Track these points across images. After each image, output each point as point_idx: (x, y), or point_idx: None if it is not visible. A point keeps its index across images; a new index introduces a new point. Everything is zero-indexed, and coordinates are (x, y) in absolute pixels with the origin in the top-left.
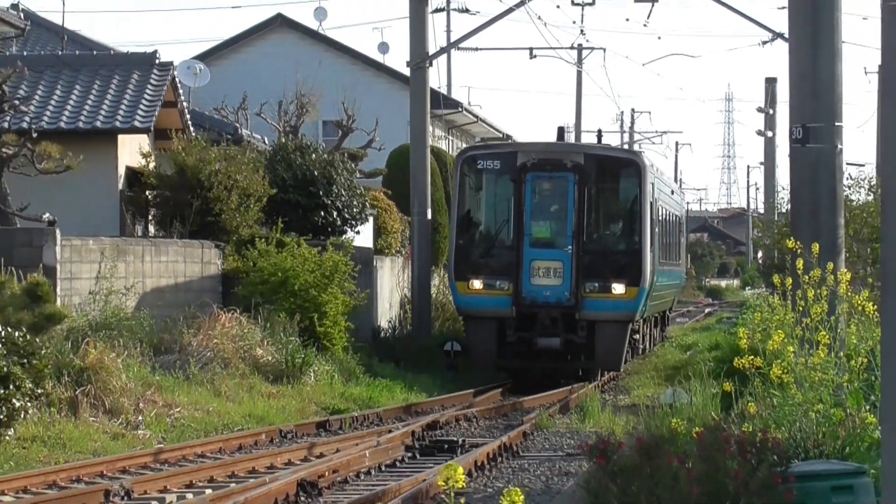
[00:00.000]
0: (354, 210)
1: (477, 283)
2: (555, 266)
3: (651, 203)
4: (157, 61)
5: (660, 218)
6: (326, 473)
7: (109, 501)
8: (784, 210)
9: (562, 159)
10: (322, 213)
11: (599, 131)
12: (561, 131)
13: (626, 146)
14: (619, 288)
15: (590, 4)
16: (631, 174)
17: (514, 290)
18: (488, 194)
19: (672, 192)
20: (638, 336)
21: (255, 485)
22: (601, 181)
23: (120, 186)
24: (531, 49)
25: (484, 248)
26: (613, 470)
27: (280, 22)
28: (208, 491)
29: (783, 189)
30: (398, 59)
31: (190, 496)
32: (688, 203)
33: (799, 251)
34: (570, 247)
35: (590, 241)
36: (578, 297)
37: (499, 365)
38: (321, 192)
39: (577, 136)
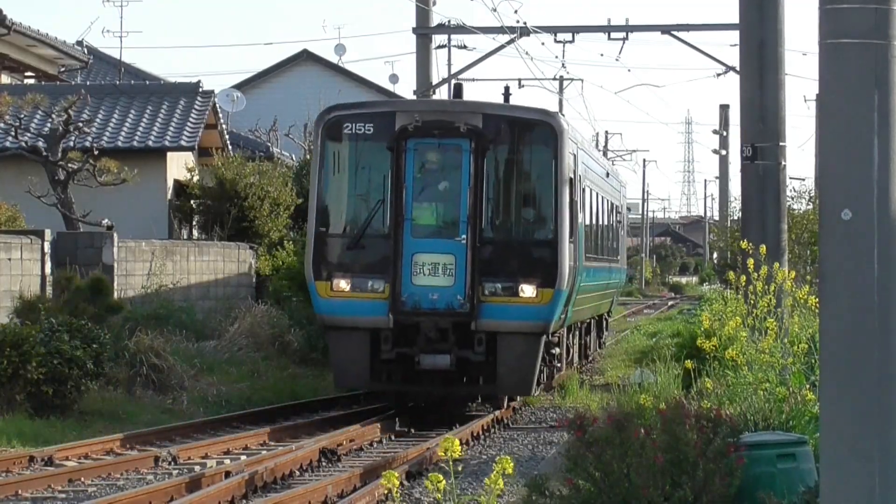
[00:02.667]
0: None
1: (343, 284)
2: (444, 261)
3: (571, 179)
4: (200, 90)
5: (589, 202)
6: (344, 442)
7: (159, 466)
8: (736, 217)
9: (454, 122)
10: None
11: (507, 87)
12: (458, 88)
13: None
14: (528, 290)
15: (570, 42)
16: (543, 140)
17: (392, 293)
18: (358, 168)
19: (607, 175)
20: (558, 350)
21: (283, 452)
22: (505, 150)
23: (168, 196)
24: (520, 80)
25: (352, 237)
26: (589, 441)
27: (305, 57)
28: (243, 457)
29: (735, 199)
30: (406, 89)
31: (228, 461)
32: (650, 209)
33: (750, 251)
34: (464, 236)
35: (491, 228)
36: (475, 302)
37: (372, 388)
38: None
39: None
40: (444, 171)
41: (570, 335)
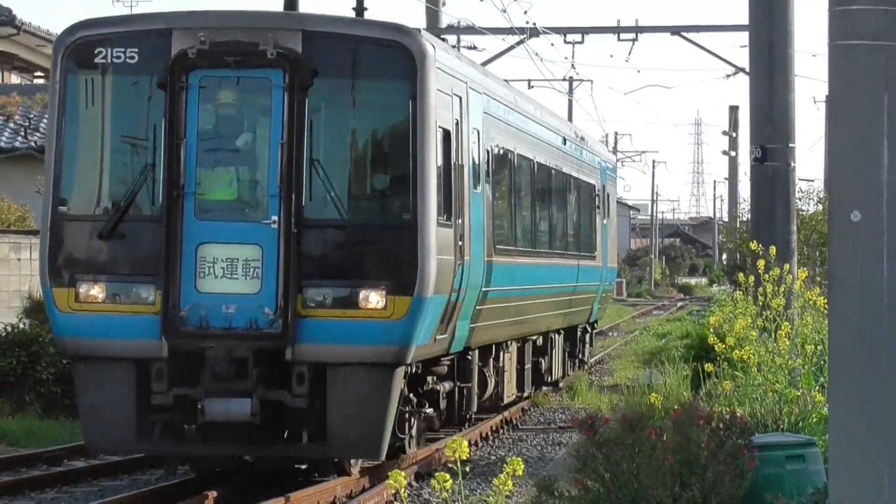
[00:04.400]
0: None
1: (94, 291)
2: (246, 256)
3: (449, 133)
4: None
5: (508, 171)
6: None
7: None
8: (745, 218)
9: (258, 43)
10: None
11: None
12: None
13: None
14: (373, 298)
15: (579, 43)
16: (394, 70)
17: (165, 305)
18: (115, 115)
19: (564, 141)
20: (449, 386)
21: None
22: (338, 85)
23: None
24: (529, 81)
25: (106, 221)
26: (600, 441)
27: None
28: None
29: (745, 200)
30: None
31: None
32: (660, 210)
33: (760, 252)
34: (275, 217)
35: (316, 205)
36: (290, 318)
37: (139, 452)
38: None
39: None
40: (245, 118)
41: (492, 361)
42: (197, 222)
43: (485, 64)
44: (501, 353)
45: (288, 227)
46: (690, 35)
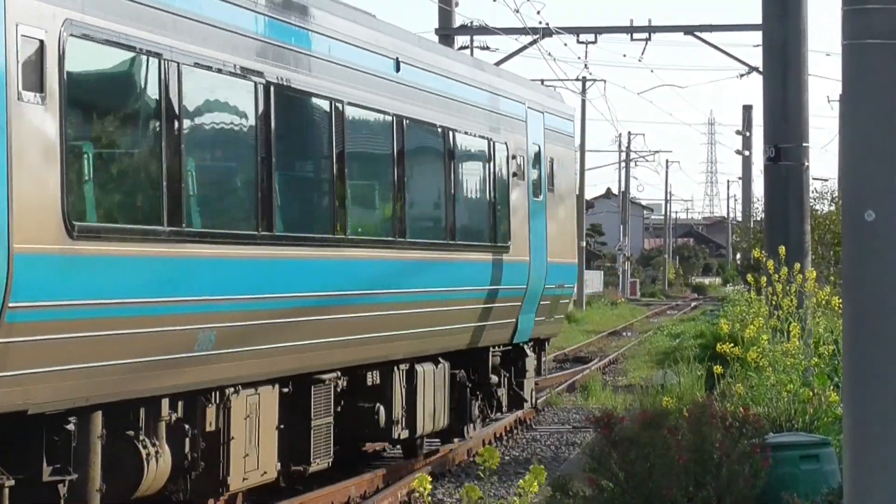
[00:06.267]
0: None
1: None
2: None
3: None
4: None
5: (164, 93)
6: None
7: None
8: (759, 218)
9: None
10: None
11: None
12: None
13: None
14: None
15: (592, 42)
16: None
17: None
18: None
19: (398, 67)
20: None
21: None
22: None
23: None
24: (542, 81)
25: None
26: (615, 440)
27: None
28: None
29: (758, 200)
30: None
31: None
32: (673, 210)
33: (764, 259)
34: None
35: None
36: None
37: None
38: None
39: (582, 159)
40: None
41: (166, 426)
42: None
43: (498, 64)
44: (205, 410)
45: None
46: (704, 34)
